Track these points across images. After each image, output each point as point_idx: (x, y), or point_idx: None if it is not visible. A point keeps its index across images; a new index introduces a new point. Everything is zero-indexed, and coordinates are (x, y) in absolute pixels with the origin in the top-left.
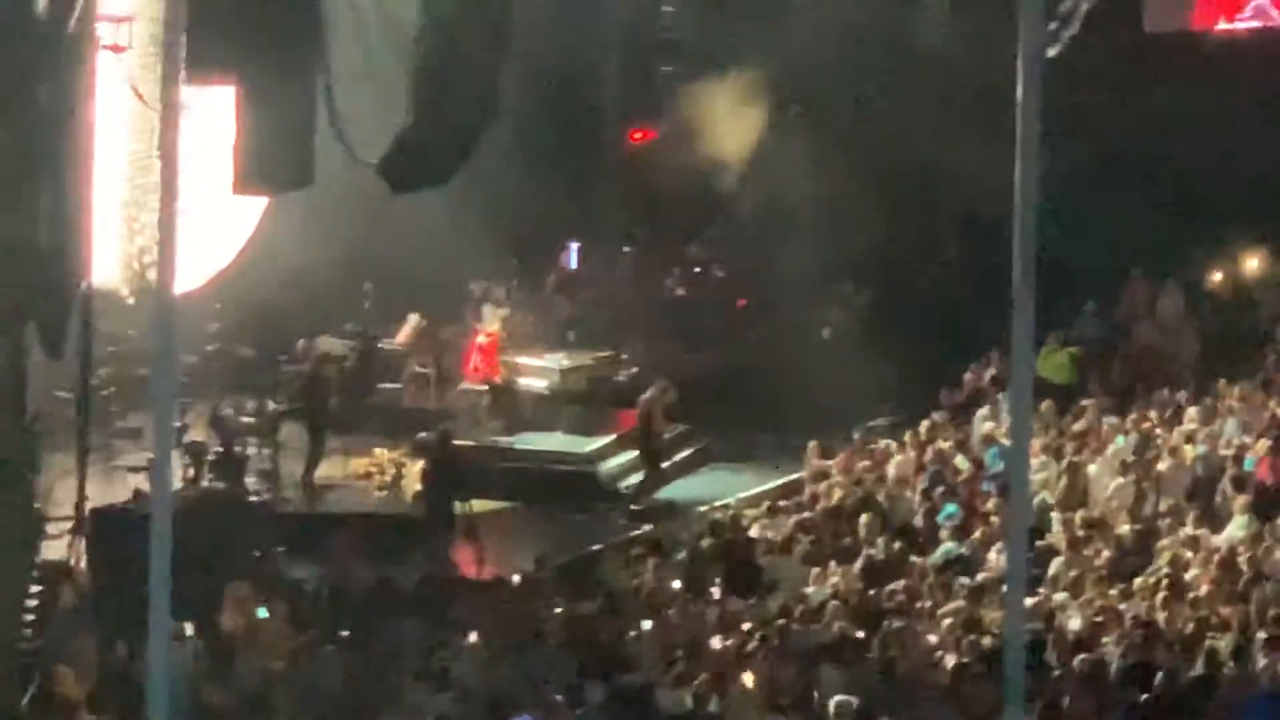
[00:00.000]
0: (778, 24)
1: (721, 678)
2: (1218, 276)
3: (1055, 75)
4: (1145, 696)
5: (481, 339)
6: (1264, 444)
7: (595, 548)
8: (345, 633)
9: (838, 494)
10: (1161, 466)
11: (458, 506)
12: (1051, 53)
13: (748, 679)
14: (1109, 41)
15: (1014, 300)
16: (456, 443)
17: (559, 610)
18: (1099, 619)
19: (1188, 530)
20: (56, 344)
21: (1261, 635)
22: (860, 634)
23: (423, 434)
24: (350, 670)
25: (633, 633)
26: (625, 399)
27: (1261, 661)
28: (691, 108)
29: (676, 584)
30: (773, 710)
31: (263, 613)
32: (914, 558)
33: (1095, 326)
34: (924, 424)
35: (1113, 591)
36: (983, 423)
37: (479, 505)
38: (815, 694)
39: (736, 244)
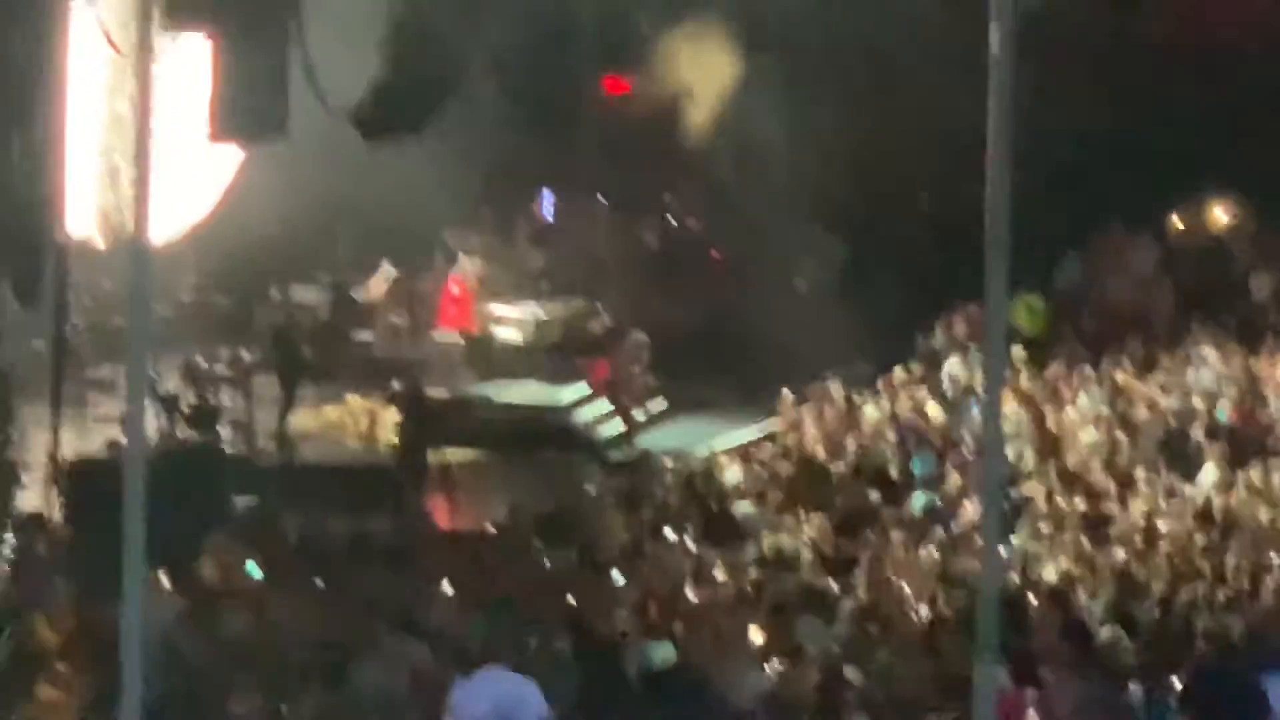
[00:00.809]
0: None
1: (696, 627)
2: (1191, 227)
3: (1030, 24)
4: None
5: (454, 289)
6: (1235, 394)
7: (569, 498)
8: (320, 583)
9: (812, 444)
10: (1135, 417)
11: (431, 456)
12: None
13: (721, 629)
14: None
15: (988, 251)
16: (429, 393)
17: (533, 560)
18: (1073, 569)
19: (1161, 480)
20: (31, 294)
21: (1236, 585)
22: (834, 584)
23: (396, 384)
24: (325, 620)
25: (607, 583)
26: (599, 349)
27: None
28: (667, 58)
29: (651, 534)
30: (747, 660)
31: (252, 567)
32: (887, 508)
33: (1070, 276)
34: (898, 374)
35: (1087, 542)
36: (957, 373)
37: (453, 455)
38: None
39: (711, 195)
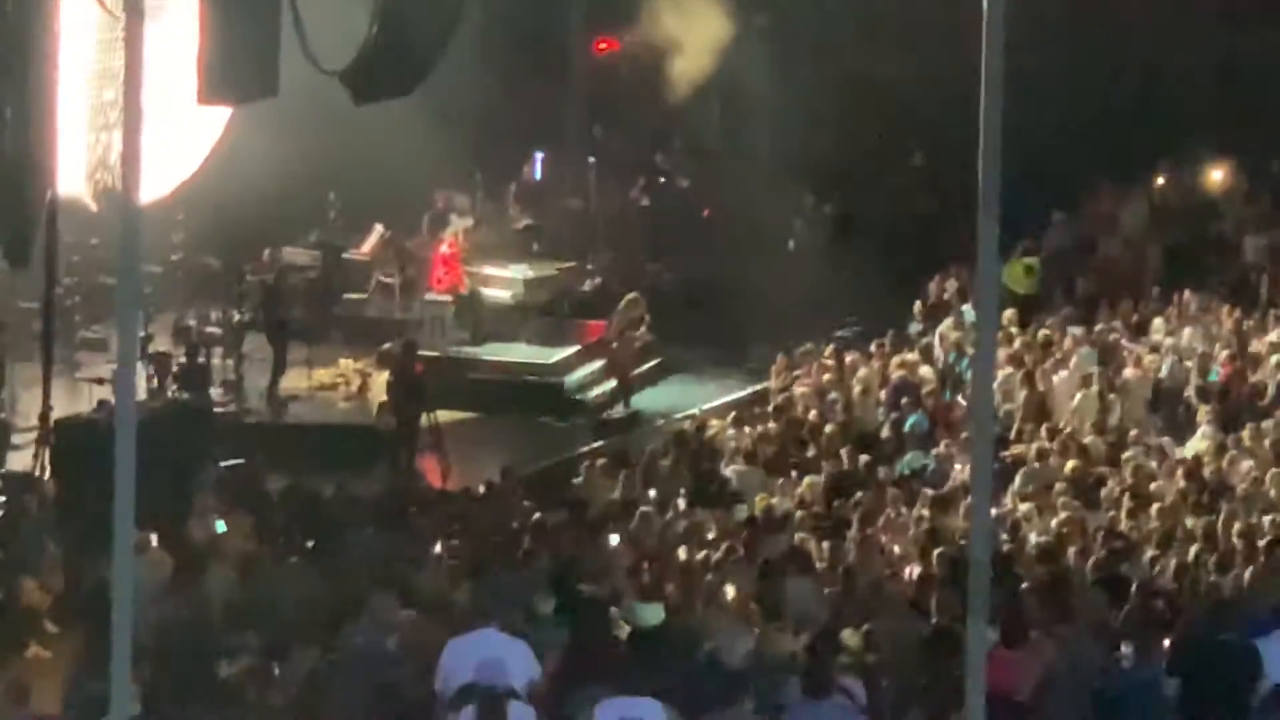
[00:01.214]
0: None
1: (688, 588)
2: (1182, 187)
3: None
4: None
5: (445, 249)
6: (1226, 354)
7: (561, 459)
8: (310, 543)
9: (802, 405)
10: (1126, 377)
11: (424, 418)
12: None
13: (714, 589)
14: None
15: (980, 210)
16: (421, 353)
17: (524, 521)
18: (1064, 530)
19: (1152, 441)
20: (21, 254)
21: (1225, 546)
22: (825, 544)
23: (387, 345)
24: (315, 581)
25: (597, 543)
26: (590, 309)
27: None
28: (656, 18)
29: (642, 495)
30: (738, 620)
31: (221, 526)
32: (879, 468)
33: (1061, 236)
34: (889, 334)
35: (1078, 502)
36: (949, 333)
37: (444, 416)
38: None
39: (701, 154)
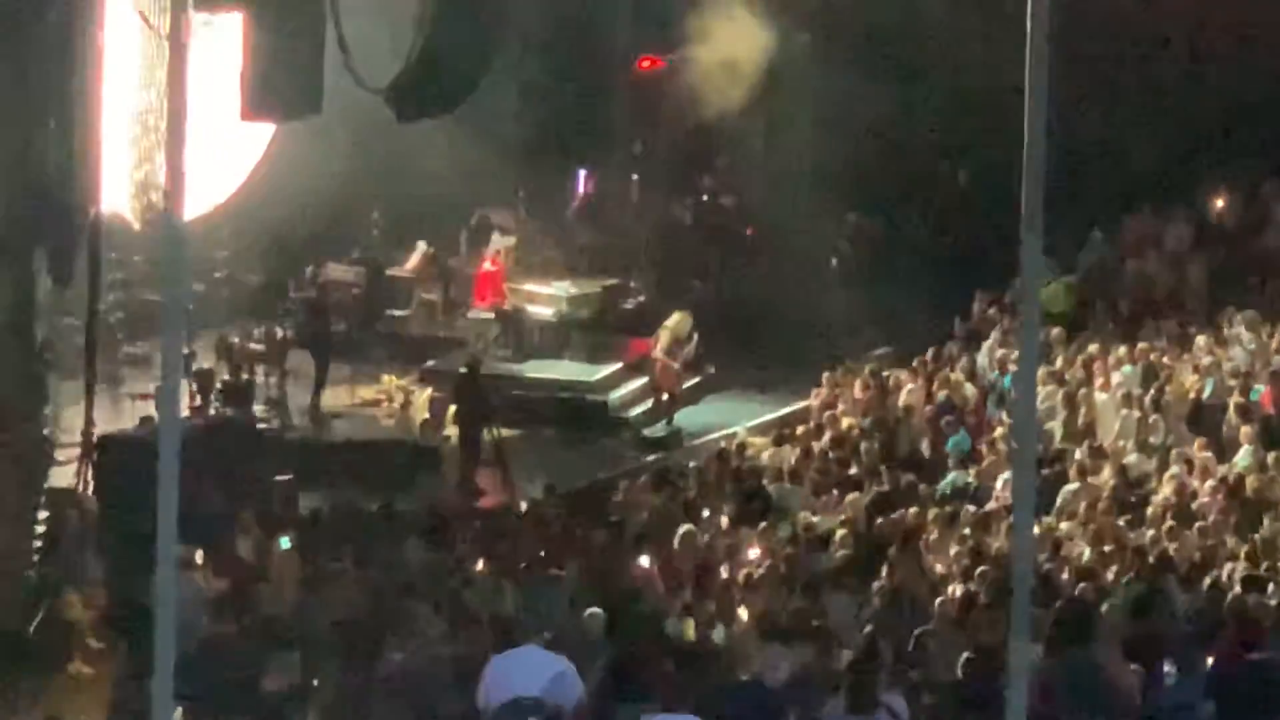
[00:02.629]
0: None
1: (729, 606)
2: (1225, 205)
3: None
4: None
5: (488, 266)
6: (1269, 373)
7: (603, 476)
8: (353, 560)
9: (845, 422)
10: (1168, 396)
11: (485, 433)
12: None
13: (754, 607)
14: None
15: (1023, 229)
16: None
17: (567, 539)
18: (1105, 548)
19: (1194, 460)
20: (65, 271)
21: (1267, 563)
22: (867, 562)
23: (431, 362)
24: (360, 597)
25: (640, 560)
26: (633, 327)
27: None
28: (699, 36)
29: (684, 513)
30: (779, 639)
31: (285, 543)
32: (922, 487)
33: (1102, 255)
34: (931, 353)
35: (1120, 521)
36: (992, 351)
37: (488, 432)
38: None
39: (745, 173)
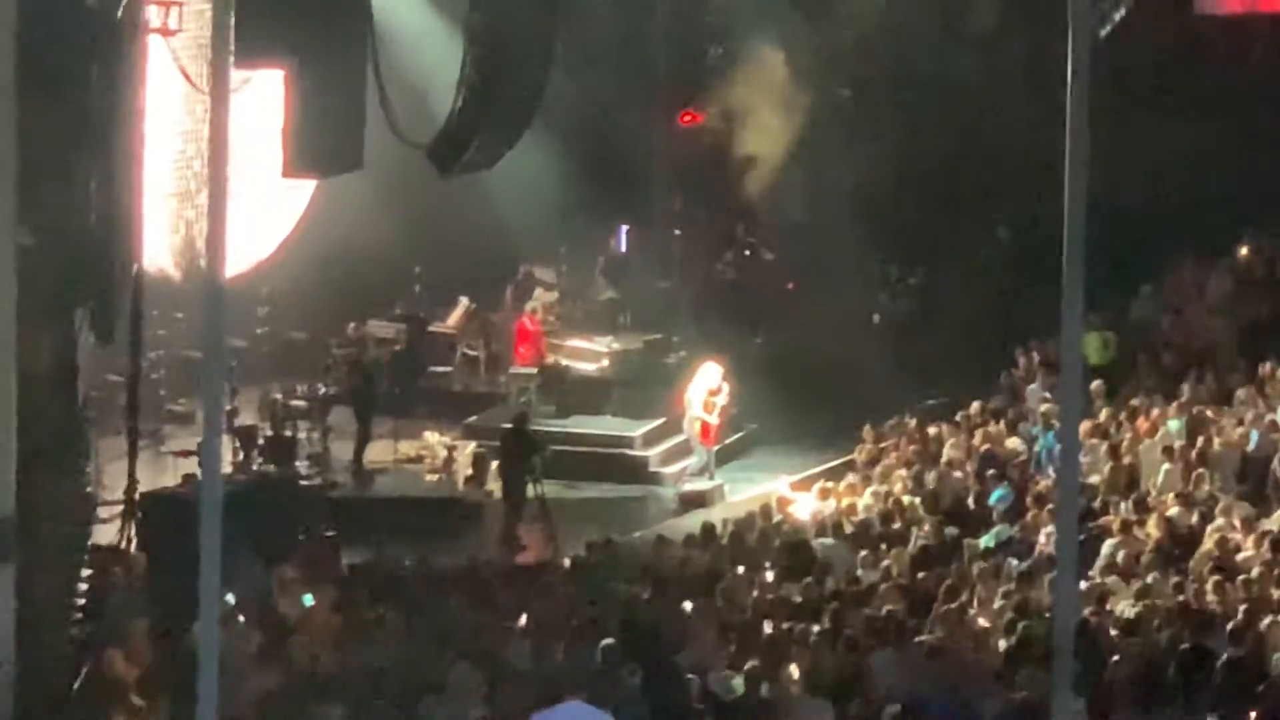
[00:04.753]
0: (827, 6)
1: (774, 661)
2: (1266, 258)
3: (1105, 57)
4: (1199, 681)
5: (527, 323)
6: None
7: (645, 531)
8: (395, 616)
9: (889, 477)
10: (1211, 449)
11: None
12: (1102, 32)
13: (797, 662)
14: (1159, 23)
15: (1064, 283)
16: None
17: (609, 594)
18: (1150, 602)
19: (1238, 513)
20: (107, 328)
21: None
22: (911, 617)
23: (473, 418)
24: (402, 652)
25: (684, 616)
26: (675, 382)
27: None
28: (739, 90)
29: (727, 567)
30: (823, 694)
31: (308, 600)
32: (966, 540)
33: (1147, 309)
34: (974, 406)
35: (1162, 576)
36: (1035, 405)
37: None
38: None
39: (786, 227)
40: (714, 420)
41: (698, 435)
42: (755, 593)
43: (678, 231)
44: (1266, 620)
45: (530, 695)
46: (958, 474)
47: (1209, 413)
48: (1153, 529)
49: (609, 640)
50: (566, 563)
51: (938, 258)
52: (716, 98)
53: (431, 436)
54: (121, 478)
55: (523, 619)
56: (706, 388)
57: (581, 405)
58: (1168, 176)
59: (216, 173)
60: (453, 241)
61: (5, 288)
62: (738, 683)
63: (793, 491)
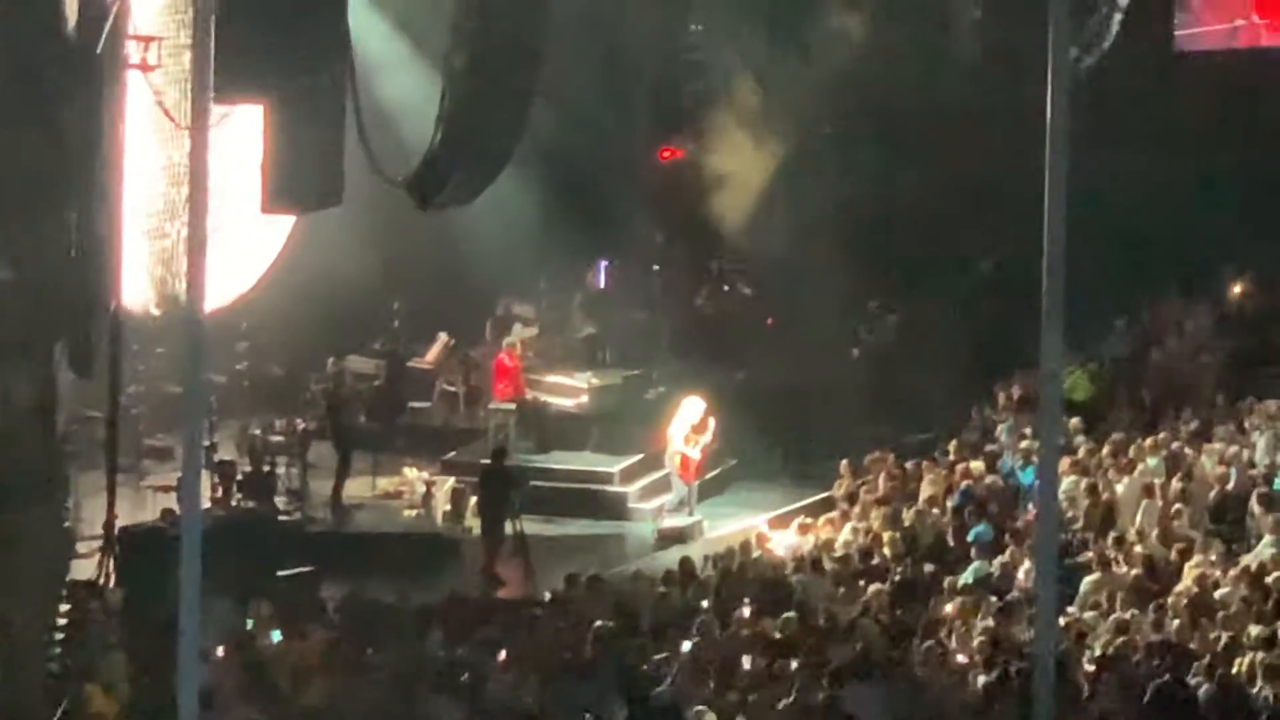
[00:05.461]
0: (806, 40)
1: (750, 696)
2: (1245, 294)
3: (1085, 91)
4: (1177, 716)
5: (505, 359)
6: None
7: (624, 567)
8: (374, 652)
9: (868, 512)
10: (1190, 485)
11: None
12: (1084, 65)
13: (776, 697)
14: (1139, 59)
15: (1044, 319)
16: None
17: (589, 629)
18: (1128, 638)
19: (1217, 550)
20: (86, 363)
21: None
22: (890, 653)
23: (451, 453)
24: (381, 689)
25: (663, 652)
26: (654, 418)
27: None
28: (719, 126)
29: (706, 603)
30: None
31: (276, 636)
32: (945, 577)
33: (1124, 343)
34: (953, 442)
35: (1139, 613)
36: (1013, 441)
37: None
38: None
39: (765, 261)
40: (695, 455)
41: (678, 470)
42: (734, 628)
43: (657, 267)
44: (1245, 657)
45: None
46: (936, 510)
47: (1188, 449)
48: (1131, 565)
49: (589, 676)
50: (546, 597)
51: (918, 291)
52: (696, 133)
53: (410, 472)
54: (100, 512)
55: (502, 654)
56: (689, 423)
57: (560, 441)
58: (1144, 211)
59: (196, 207)
60: (432, 277)
61: None
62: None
63: (771, 528)
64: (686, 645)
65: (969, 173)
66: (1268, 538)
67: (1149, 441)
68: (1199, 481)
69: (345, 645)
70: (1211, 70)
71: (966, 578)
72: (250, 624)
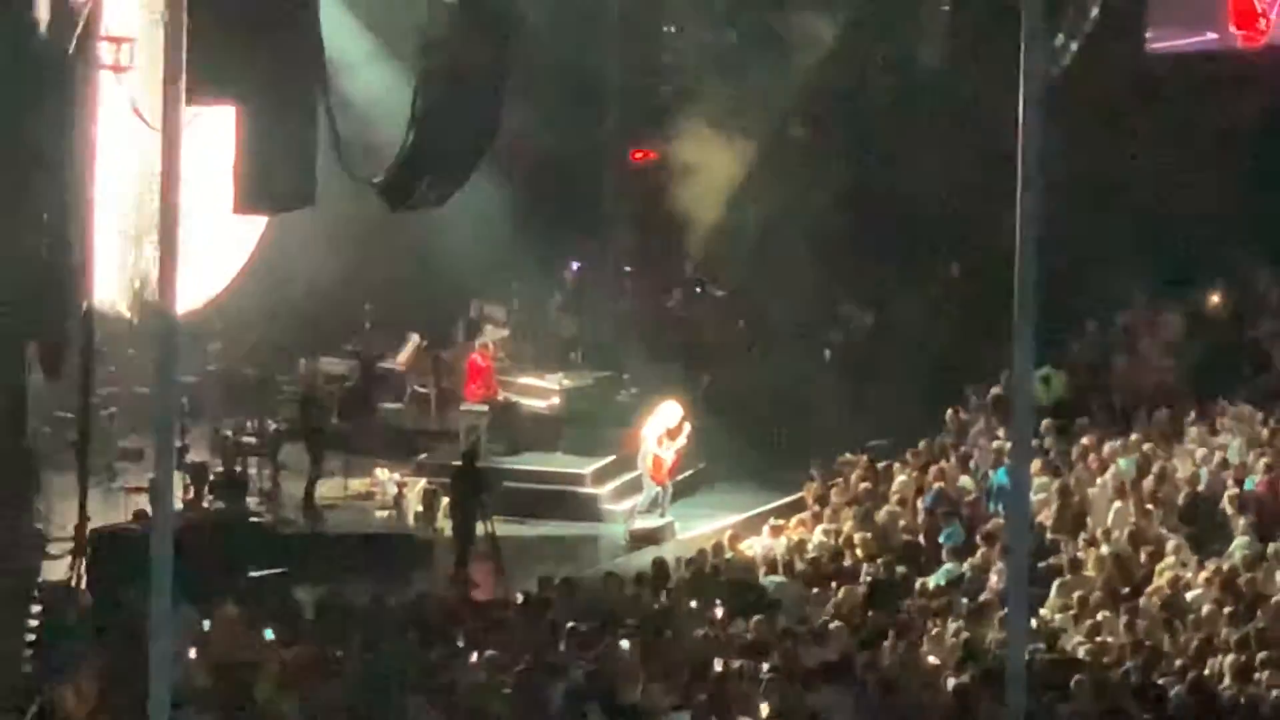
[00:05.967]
0: (778, 44)
1: (724, 699)
2: (1218, 297)
3: (1056, 96)
4: (1148, 717)
5: (478, 360)
6: (1263, 464)
7: (596, 569)
8: (346, 654)
9: (840, 514)
10: (1161, 487)
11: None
12: (1055, 69)
13: (747, 700)
14: (1111, 59)
15: (1015, 321)
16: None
17: (561, 631)
18: (1101, 640)
19: (1188, 552)
20: (57, 364)
21: (1262, 656)
22: (862, 655)
23: (423, 455)
24: (352, 690)
25: (633, 653)
26: (626, 419)
27: (1263, 683)
28: (692, 128)
29: (678, 605)
30: None
31: (269, 634)
32: (916, 579)
33: (1095, 346)
34: (924, 444)
35: (1111, 614)
36: (985, 443)
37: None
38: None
39: (737, 264)
40: (668, 457)
41: (650, 471)
42: (706, 630)
43: (628, 269)
44: (1217, 659)
45: None
46: (908, 512)
47: (1160, 451)
48: (1103, 568)
49: (561, 679)
50: (519, 598)
51: (890, 293)
52: (668, 135)
53: (382, 473)
54: (72, 514)
55: (474, 656)
56: (665, 425)
57: (532, 442)
58: (1116, 213)
59: (168, 209)
60: (403, 278)
61: None
62: None
63: (743, 529)
64: (654, 647)
65: (940, 175)
66: (1239, 539)
67: (1120, 443)
68: (1170, 483)
69: (320, 646)
70: (1181, 71)
71: (938, 579)
72: (207, 625)
